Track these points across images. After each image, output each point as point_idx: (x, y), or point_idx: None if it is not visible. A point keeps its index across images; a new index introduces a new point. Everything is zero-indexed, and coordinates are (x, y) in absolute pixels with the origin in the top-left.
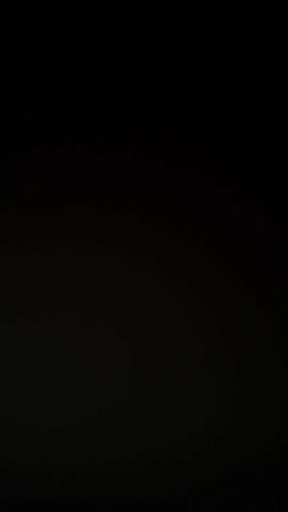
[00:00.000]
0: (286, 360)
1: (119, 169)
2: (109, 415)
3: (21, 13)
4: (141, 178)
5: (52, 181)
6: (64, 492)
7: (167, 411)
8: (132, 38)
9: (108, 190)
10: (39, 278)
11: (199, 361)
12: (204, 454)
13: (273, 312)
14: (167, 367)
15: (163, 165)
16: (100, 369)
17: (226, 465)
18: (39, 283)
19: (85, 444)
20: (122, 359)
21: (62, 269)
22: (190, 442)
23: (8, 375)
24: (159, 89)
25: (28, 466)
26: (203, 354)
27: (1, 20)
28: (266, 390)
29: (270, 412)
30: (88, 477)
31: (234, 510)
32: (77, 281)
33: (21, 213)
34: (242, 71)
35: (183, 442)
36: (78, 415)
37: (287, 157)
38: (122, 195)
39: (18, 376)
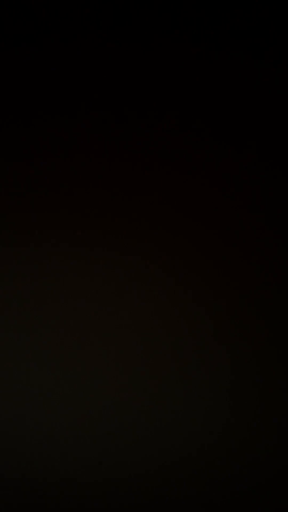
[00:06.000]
0: (282, 359)
1: (119, 177)
2: (109, 416)
3: (21, 13)
4: (141, 185)
5: (52, 188)
6: (63, 493)
7: (167, 411)
8: (132, 37)
9: (108, 197)
10: (38, 280)
11: (198, 362)
12: (204, 454)
13: (272, 316)
14: (167, 367)
15: (164, 172)
16: (100, 370)
17: (225, 465)
18: (39, 286)
19: (85, 444)
20: (122, 361)
21: (61, 272)
22: (190, 442)
23: (8, 376)
24: (159, 89)
25: (27, 466)
26: (202, 355)
27: (1, 20)
28: (263, 390)
29: (268, 412)
30: (88, 477)
31: (234, 509)
32: (76, 284)
33: (18, 220)
34: (243, 71)
35: (182, 442)
36: (77, 416)
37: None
38: (122, 202)
39: (18, 376)
